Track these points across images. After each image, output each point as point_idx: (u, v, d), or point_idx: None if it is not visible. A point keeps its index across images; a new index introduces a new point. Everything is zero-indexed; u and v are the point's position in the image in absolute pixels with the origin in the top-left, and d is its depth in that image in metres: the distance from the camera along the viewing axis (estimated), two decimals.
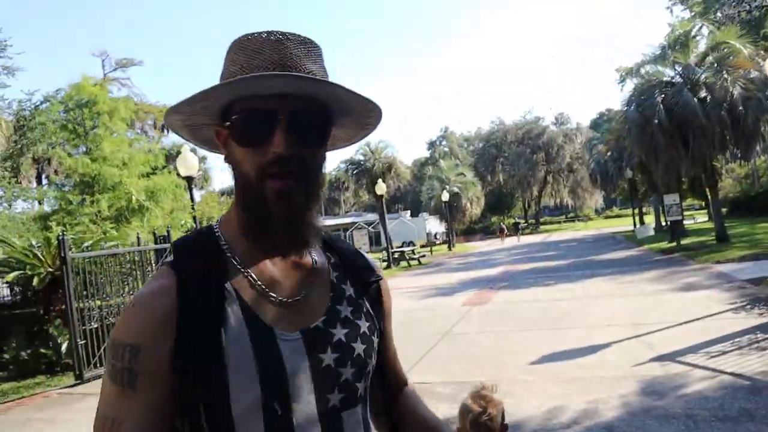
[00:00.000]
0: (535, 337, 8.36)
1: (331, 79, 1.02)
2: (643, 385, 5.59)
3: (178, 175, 13.42)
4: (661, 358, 6.42)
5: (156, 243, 11.27)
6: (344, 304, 1.10)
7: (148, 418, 0.93)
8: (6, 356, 9.75)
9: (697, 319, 8.18)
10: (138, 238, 11.27)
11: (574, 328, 8.57)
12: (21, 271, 9.80)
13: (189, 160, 13.42)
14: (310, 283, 1.08)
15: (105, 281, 9.75)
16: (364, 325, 1.11)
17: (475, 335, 9.03)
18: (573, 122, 63.83)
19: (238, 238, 1.03)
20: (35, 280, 9.62)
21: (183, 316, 0.94)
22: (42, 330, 10.02)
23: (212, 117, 1.04)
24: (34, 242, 10.97)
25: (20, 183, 22.76)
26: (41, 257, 10.20)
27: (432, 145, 73.86)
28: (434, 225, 48.20)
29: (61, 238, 8.91)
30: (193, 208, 13.40)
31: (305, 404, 0.98)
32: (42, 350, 9.74)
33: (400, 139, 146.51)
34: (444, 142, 73.44)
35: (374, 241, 40.48)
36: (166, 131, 62.66)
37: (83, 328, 9.13)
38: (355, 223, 58.24)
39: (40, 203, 17.87)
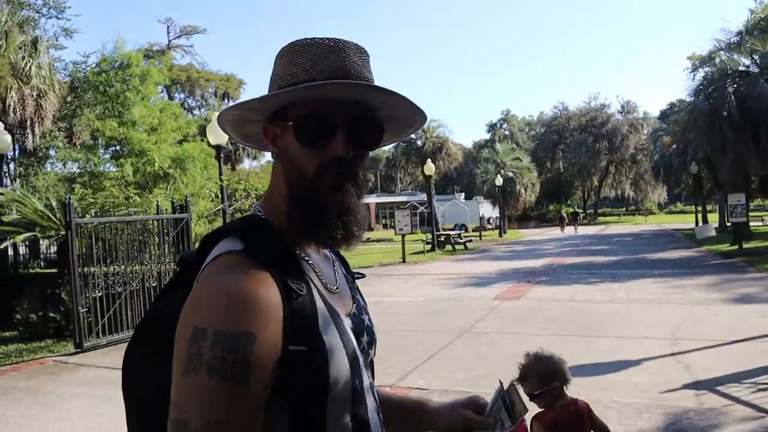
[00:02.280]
0: (560, 344, 7.50)
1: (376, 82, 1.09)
2: (669, 419, 4.74)
3: (210, 144, 13.01)
4: (696, 385, 5.54)
5: (174, 212, 10.91)
6: (360, 294, 1.22)
7: (258, 418, 0.91)
8: (18, 317, 9.60)
9: (748, 339, 7.19)
10: (158, 206, 10.94)
11: (605, 338, 7.69)
12: (32, 233, 9.57)
13: (219, 129, 13.00)
14: (337, 273, 1.16)
15: (116, 248, 9.41)
16: (369, 313, 1.21)
17: (495, 335, 8.26)
18: (640, 111, 60.83)
19: (284, 230, 1.06)
20: (44, 243, 9.37)
21: (287, 303, 0.95)
22: (54, 294, 9.84)
23: (262, 114, 1.09)
24: (54, 204, 10.73)
25: (74, 144, 23.03)
26: (56, 220, 9.95)
27: (492, 127, 72.10)
28: (487, 209, 46.98)
29: (66, 201, 8.58)
30: (220, 179, 12.98)
31: (365, 381, 1.08)
32: (51, 314, 9.54)
33: (458, 120, 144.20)
34: (505, 125, 71.60)
35: (426, 221, 39.57)
36: (226, 99, 63.61)
37: (88, 295, 8.85)
38: (408, 202, 57.66)
39: (64, 165, 17.88)
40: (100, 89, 13.32)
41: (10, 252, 13.66)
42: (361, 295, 1.22)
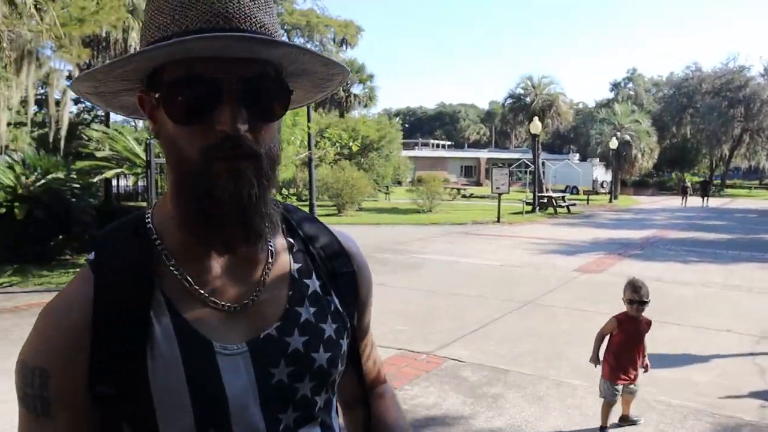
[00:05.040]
0: None
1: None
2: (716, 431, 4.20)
3: None
4: (766, 395, 4.89)
5: None
6: (305, 304, 0.93)
7: None
8: None
9: None
10: None
11: (679, 326, 6.99)
12: (120, 170, 10.03)
13: None
14: (263, 282, 0.90)
15: None
16: (330, 329, 0.94)
17: (559, 310, 7.76)
18: None
19: (172, 232, 0.86)
20: (131, 180, 9.80)
21: (98, 332, 0.80)
22: None
23: (134, 81, 0.85)
24: (134, 144, 11.17)
25: None
26: (142, 158, 10.35)
27: (616, 86, 67.97)
28: (601, 173, 44.62)
29: (147, 141, 8.85)
30: (308, 126, 13.00)
31: (250, 428, 0.84)
32: None
33: (580, 77, 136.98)
34: (630, 85, 67.24)
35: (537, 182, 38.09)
36: (344, 46, 64.02)
37: None
38: (520, 159, 56.06)
39: None
40: None
41: (114, 184, 14.56)
42: (323, 302, 0.95)
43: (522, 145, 72.13)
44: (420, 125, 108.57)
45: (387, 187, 34.13)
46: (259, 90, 0.80)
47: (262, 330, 0.88)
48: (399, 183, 39.56)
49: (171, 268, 0.86)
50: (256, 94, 0.80)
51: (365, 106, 46.99)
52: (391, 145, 35.02)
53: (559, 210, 25.95)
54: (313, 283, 0.96)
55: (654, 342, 6.22)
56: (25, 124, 17.09)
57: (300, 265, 0.96)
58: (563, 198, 27.85)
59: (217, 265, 0.88)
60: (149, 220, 0.89)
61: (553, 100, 32.64)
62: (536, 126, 24.86)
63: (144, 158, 10.32)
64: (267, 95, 0.82)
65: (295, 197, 15.63)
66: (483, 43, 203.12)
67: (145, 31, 0.83)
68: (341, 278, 1.00)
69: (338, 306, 0.97)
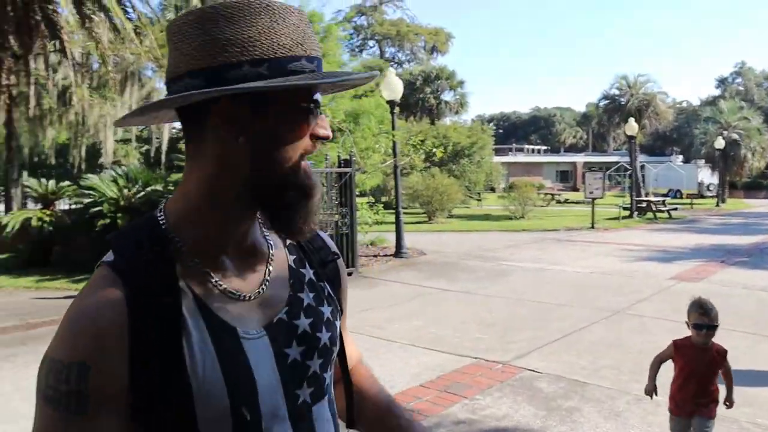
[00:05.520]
0: (723, 337, 6.52)
1: None
2: None
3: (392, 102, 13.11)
4: None
5: (339, 166, 11.27)
6: (305, 290, 1.05)
7: None
8: None
9: None
10: (326, 159, 11.39)
11: None
12: None
13: (394, 84, 13.06)
14: (269, 273, 1.01)
15: None
16: (327, 311, 1.06)
17: (649, 321, 7.40)
18: None
19: (189, 230, 0.94)
20: None
21: (135, 329, 0.85)
22: None
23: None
24: None
25: None
26: None
27: (722, 82, 64.14)
28: (707, 175, 42.17)
29: None
30: (392, 133, 13.10)
31: (274, 405, 0.94)
32: None
33: (682, 75, 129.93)
34: (739, 80, 63.22)
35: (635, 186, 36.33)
36: (435, 53, 64.02)
37: None
38: (618, 162, 53.90)
39: None
40: None
41: None
42: (318, 288, 1.07)
43: (620, 148, 69.18)
44: (514, 130, 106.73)
45: (479, 193, 33.76)
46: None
47: (275, 315, 0.98)
48: (492, 189, 39.03)
49: (191, 263, 0.92)
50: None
51: (456, 112, 46.77)
52: (482, 151, 34.60)
53: (659, 215, 24.75)
54: (308, 272, 1.07)
55: (752, 356, 5.85)
56: (130, 141, 18.26)
57: (294, 256, 1.07)
58: (663, 202, 26.53)
59: (228, 260, 0.96)
60: (163, 220, 0.95)
61: (650, 99, 31.20)
62: (632, 127, 23.88)
63: None
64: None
65: (382, 205, 15.71)
66: (579, 44, 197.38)
67: (218, 46, 0.87)
68: (328, 266, 1.12)
69: (330, 291, 1.09)
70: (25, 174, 15.22)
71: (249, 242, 1.00)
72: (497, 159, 44.31)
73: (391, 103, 13.07)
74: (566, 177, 60.78)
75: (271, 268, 1.01)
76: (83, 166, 15.60)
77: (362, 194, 14.20)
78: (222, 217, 0.94)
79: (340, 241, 10.66)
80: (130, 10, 12.86)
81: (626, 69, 72.27)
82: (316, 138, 0.94)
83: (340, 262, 1.17)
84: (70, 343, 0.85)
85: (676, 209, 26.64)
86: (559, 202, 35.41)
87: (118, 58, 13.30)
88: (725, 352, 3.48)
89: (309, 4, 14.51)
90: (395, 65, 58.44)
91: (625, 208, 24.44)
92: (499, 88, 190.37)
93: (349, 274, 10.71)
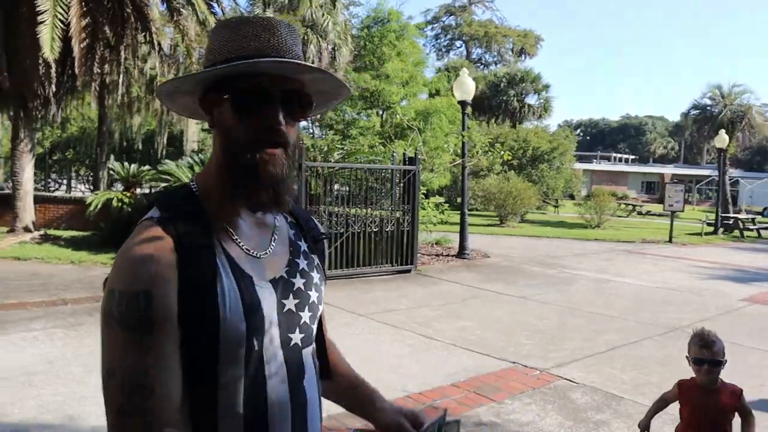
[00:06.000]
0: None
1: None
2: None
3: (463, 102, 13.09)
4: None
5: (404, 164, 11.35)
6: (301, 257, 1.27)
7: (169, 363, 1.04)
8: None
9: None
10: (393, 156, 11.50)
11: None
12: None
13: (466, 84, 13.03)
14: (273, 239, 1.24)
15: (350, 192, 10.21)
16: (315, 276, 1.29)
17: None
18: None
19: (212, 197, 1.16)
20: None
21: (183, 266, 1.06)
22: None
23: (198, 87, 1.18)
24: (309, 147, 11.94)
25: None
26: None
27: None
28: None
29: (300, 146, 9.48)
30: (462, 134, 13.06)
31: (275, 342, 1.15)
32: None
33: None
34: None
35: (732, 201, 34.43)
36: (523, 56, 62.88)
37: None
38: (709, 176, 51.36)
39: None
40: (361, 44, 14.23)
41: None
42: (310, 258, 1.30)
43: (714, 161, 65.91)
44: (602, 137, 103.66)
45: (556, 200, 33.04)
46: (293, 99, 1.15)
47: (277, 273, 1.21)
48: (571, 197, 38.05)
49: (217, 222, 1.15)
50: (291, 101, 1.14)
51: (539, 116, 45.79)
52: (563, 157, 33.79)
53: (746, 233, 23.44)
54: (303, 245, 1.31)
55: None
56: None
57: (294, 231, 1.31)
58: (753, 220, 25.10)
59: (243, 224, 1.19)
60: (195, 187, 1.19)
61: (746, 111, 29.51)
62: (722, 139, 22.69)
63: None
64: (297, 102, 1.16)
65: (447, 205, 15.67)
66: (676, 50, 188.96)
67: (210, 54, 1.17)
68: (318, 244, 1.36)
69: (318, 262, 1.33)
70: (112, 158, 16.15)
71: (258, 213, 1.21)
72: (580, 166, 43.20)
73: (462, 104, 13.02)
74: (652, 188, 58.54)
75: (276, 236, 1.25)
76: (165, 153, 16.38)
77: (429, 193, 14.22)
78: (227, 190, 1.15)
79: (400, 238, 10.73)
80: (214, 4, 13.42)
81: (724, 78, 68.53)
82: (267, 126, 1.12)
83: (325, 242, 1.43)
84: (135, 277, 1.04)
85: (767, 228, 25.15)
86: (640, 213, 34.13)
87: (203, 51, 13.92)
88: (740, 391, 2.95)
89: (387, 2, 14.63)
90: (481, 67, 57.87)
91: (709, 224, 23.30)
92: (588, 94, 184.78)
93: (407, 271, 10.82)
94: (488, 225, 21.69)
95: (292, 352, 1.18)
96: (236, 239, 1.16)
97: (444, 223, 14.13)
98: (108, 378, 1.03)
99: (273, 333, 1.15)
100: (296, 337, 1.20)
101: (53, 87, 11.54)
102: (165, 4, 14.01)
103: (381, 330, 7.02)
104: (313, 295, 1.26)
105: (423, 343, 6.50)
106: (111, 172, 14.69)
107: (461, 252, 13.00)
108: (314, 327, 1.27)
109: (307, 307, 1.23)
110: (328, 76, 1.19)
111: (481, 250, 13.93)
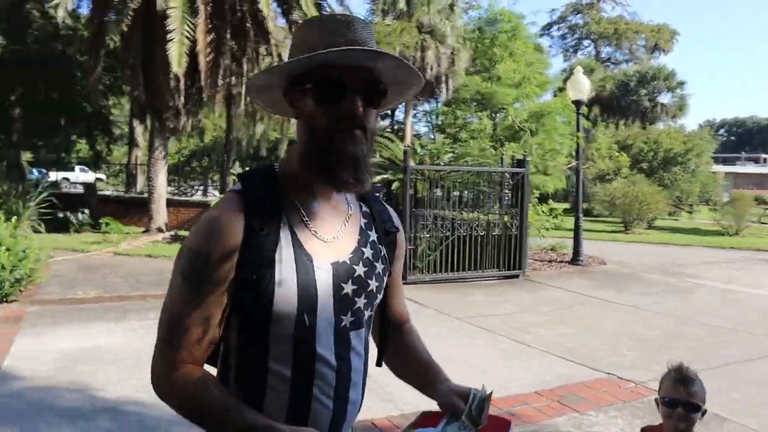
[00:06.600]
0: None
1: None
2: None
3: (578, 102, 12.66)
4: None
5: (513, 166, 11.12)
6: (368, 246, 1.35)
7: (208, 315, 1.20)
8: None
9: None
10: (501, 159, 11.33)
11: None
12: (385, 175, 10.96)
13: (580, 83, 12.57)
14: (344, 225, 1.33)
15: (455, 195, 10.19)
16: (379, 267, 1.36)
17: None
18: None
19: (293, 180, 1.28)
20: (394, 185, 10.65)
21: (247, 238, 1.19)
22: None
23: (284, 80, 1.29)
24: (418, 150, 12.03)
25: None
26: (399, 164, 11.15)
27: None
28: None
29: (405, 149, 9.56)
30: (576, 135, 12.58)
31: (326, 320, 1.25)
32: None
33: None
34: None
35: None
36: (656, 52, 59.44)
37: (417, 234, 9.82)
38: None
39: (436, 116, 19.35)
40: (472, 45, 14.11)
41: None
42: (377, 248, 1.38)
43: None
44: (749, 137, 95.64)
45: (691, 205, 30.88)
46: (370, 87, 1.24)
47: (341, 258, 1.29)
48: (708, 202, 35.36)
49: (290, 202, 1.27)
50: (368, 90, 1.24)
51: (673, 116, 43.06)
52: (698, 158, 31.50)
53: None
54: (373, 234, 1.39)
55: None
56: None
57: (366, 221, 1.40)
58: None
59: (318, 207, 1.30)
60: (278, 168, 1.32)
61: None
62: None
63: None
64: (374, 91, 1.26)
65: (558, 210, 15.14)
66: None
67: (294, 48, 1.28)
68: (389, 236, 1.43)
69: (385, 254, 1.40)
70: (237, 164, 17.16)
71: (334, 199, 1.32)
72: (721, 168, 40.09)
73: (577, 103, 12.58)
74: None
75: (347, 223, 1.34)
76: None
77: (544, 197, 13.82)
78: (308, 172, 1.26)
79: (508, 243, 10.51)
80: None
81: None
82: (346, 112, 1.22)
83: (401, 235, 1.49)
84: (201, 240, 1.22)
85: None
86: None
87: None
88: None
89: (498, 2, 14.43)
90: (611, 66, 55.38)
91: None
92: (734, 91, 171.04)
93: (515, 276, 10.59)
94: (611, 231, 20.71)
95: (341, 333, 1.28)
96: (306, 220, 1.27)
97: (559, 228, 13.68)
98: (163, 311, 1.23)
99: (325, 312, 1.24)
100: (347, 319, 1.29)
101: (182, 99, 12.48)
102: (285, 18, 14.67)
103: (475, 333, 6.93)
104: (373, 284, 1.33)
105: (516, 348, 6.35)
106: (233, 176, 15.63)
107: (575, 258, 12.52)
108: (368, 313, 1.35)
109: (364, 294, 1.31)
110: (399, 62, 1.25)
111: (598, 256, 13.35)
